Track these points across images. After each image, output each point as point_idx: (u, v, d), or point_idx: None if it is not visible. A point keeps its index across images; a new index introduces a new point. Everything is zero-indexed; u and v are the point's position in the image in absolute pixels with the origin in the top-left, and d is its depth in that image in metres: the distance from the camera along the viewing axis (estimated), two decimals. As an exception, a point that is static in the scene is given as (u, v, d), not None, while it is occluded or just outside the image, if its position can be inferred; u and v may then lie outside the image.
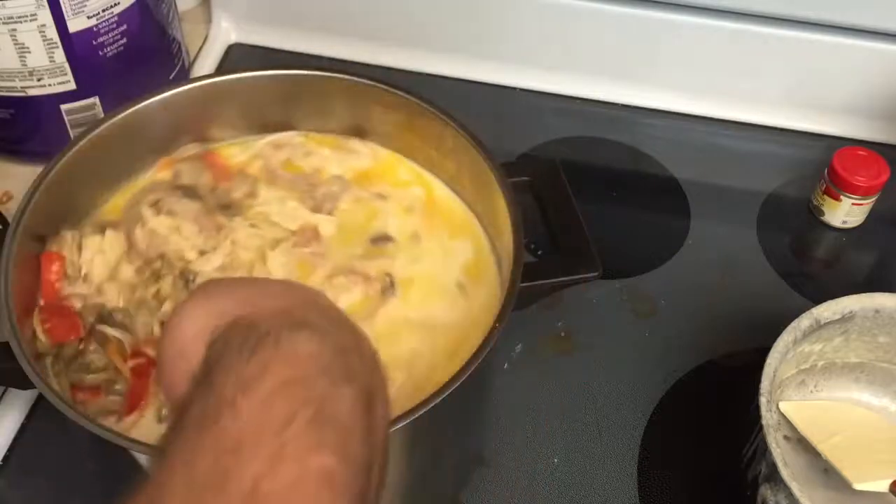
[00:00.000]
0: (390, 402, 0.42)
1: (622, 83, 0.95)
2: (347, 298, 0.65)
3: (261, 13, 0.99)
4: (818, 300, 0.66)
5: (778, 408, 0.69)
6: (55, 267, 0.65)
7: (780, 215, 0.87)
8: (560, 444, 0.70)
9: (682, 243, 0.84)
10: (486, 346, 0.57)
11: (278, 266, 0.67)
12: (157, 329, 0.64)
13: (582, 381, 0.74)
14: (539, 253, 0.75)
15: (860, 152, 0.84)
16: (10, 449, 0.68)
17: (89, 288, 0.66)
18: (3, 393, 0.70)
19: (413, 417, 0.53)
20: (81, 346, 0.62)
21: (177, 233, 0.68)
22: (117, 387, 0.61)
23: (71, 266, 0.66)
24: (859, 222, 0.86)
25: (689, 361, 0.75)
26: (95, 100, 0.81)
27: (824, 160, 0.85)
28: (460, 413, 0.65)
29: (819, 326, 0.65)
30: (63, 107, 0.80)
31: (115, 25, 0.79)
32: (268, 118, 0.75)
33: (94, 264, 0.66)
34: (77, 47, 0.77)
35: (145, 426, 0.61)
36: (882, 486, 0.63)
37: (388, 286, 0.66)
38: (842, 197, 0.83)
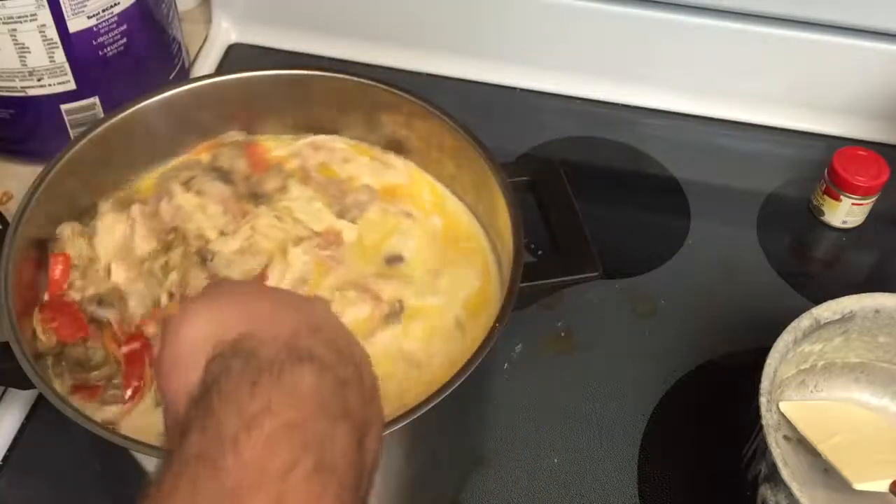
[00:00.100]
0: (382, 433, 0.42)
1: (622, 83, 0.95)
2: (354, 313, 0.65)
3: (261, 13, 0.99)
4: (818, 300, 0.66)
5: (778, 408, 0.69)
6: (60, 266, 0.66)
7: (780, 215, 0.87)
8: (560, 444, 0.70)
9: (682, 243, 0.84)
10: (486, 346, 0.57)
11: (298, 263, 0.67)
12: (164, 299, 0.65)
13: (582, 381, 0.74)
14: (539, 253, 0.75)
15: (860, 152, 0.84)
16: (10, 449, 0.68)
17: (95, 273, 0.66)
18: (3, 393, 0.70)
19: (413, 417, 0.53)
20: (87, 345, 0.63)
21: (201, 211, 0.69)
22: (116, 381, 0.62)
23: (78, 257, 0.66)
24: (859, 222, 0.86)
25: (689, 361, 0.75)
26: (95, 100, 0.81)
27: (824, 160, 0.85)
28: (460, 413, 0.65)
29: (819, 326, 0.65)
30: (63, 107, 0.80)
31: (115, 25, 0.79)
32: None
33: (104, 243, 0.67)
34: (77, 47, 0.77)
35: (144, 412, 0.61)
36: (882, 486, 0.63)
37: (396, 312, 0.66)
38: (842, 197, 0.83)
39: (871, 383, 0.71)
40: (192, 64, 0.96)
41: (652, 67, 0.94)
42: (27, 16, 0.73)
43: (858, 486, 0.63)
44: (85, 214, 0.69)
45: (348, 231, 0.70)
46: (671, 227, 0.86)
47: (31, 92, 0.79)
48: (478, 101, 0.95)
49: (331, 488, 0.36)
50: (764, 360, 0.62)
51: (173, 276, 0.65)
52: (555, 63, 0.95)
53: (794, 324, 0.64)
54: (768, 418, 0.59)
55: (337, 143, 0.76)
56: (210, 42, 0.99)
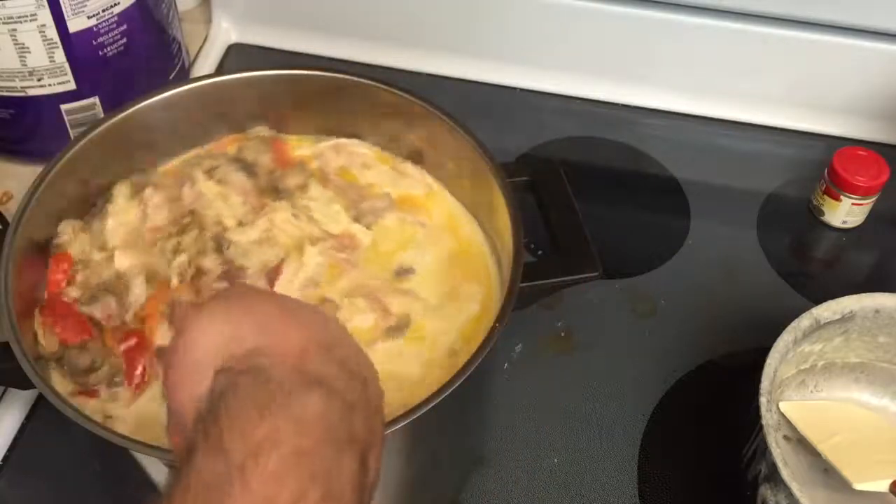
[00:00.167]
0: (382, 453, 0.42)
1: (622, 83, 0.95)
2: (360, 321, 0.65)
3: (261, 13, 0.99)
4: (818, 300, 0.66)
5: (778, 408, 0.69)
6: (62, 268, 0.66)
7: (780, 215, 0.87)
8: (560, 444, 0.70)
9: (682, 243, 0.84)
10: (486, 346, 0.57)
11: (312, 263, 0.67)
12: (174, 281, 0.65)
13: (582, 381, 0.74)
14: (539, 253, 0.75)
15: (860, 152, 0.84)
16: (10, 449, 0.68)
17: (97, 263, 0.66)
18: (3, 393, 0.70)
19: (413, 417, 0.53)
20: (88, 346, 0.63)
21: (222, 200, 0.70)
22: (117, 379, 0.62)
23: (81, 253, 0.67)
24: (859, 222, 0.86)
25: (689, 361, 0.75)
26: (95, 100, 0.81)
27: (824, 160, 0.85)
28: (460, 413, 0.65)
29: (819, 326, 0.65)
30: (63, 107, 0.80)
31: (115, 25, 0.79)
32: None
33: (113, 227, 0.68)
34: (77, 47, 0.77)
35: (147, 405, 0.61)
36: (882, 486, 0.63)
37: (401, 327, 0.65)
38: (842, 197, 0.83)
39: (871, 383, 0.71)
40: (192, 64, 0.96)
41: (652, 67, 0.94)
42: (27, 16, 0.73)
43: (858, 486, 0.63)
44: (86, 213, 0.69)
45: (362, 236, 0.70)
46: (671, 227, 0.86)
47: (31, 92, 0.79)
48: (478, 101, 0.95)
49: None
50: (764, 360, 0.62)
51: (182, 258, 0.66)
52: (555, 63, 0.95)
53: (794, 324, 0.65)
54: (768, 418, 0.59)
55: (360, 148, 0.76)
56: (210, 42, 0.99)
